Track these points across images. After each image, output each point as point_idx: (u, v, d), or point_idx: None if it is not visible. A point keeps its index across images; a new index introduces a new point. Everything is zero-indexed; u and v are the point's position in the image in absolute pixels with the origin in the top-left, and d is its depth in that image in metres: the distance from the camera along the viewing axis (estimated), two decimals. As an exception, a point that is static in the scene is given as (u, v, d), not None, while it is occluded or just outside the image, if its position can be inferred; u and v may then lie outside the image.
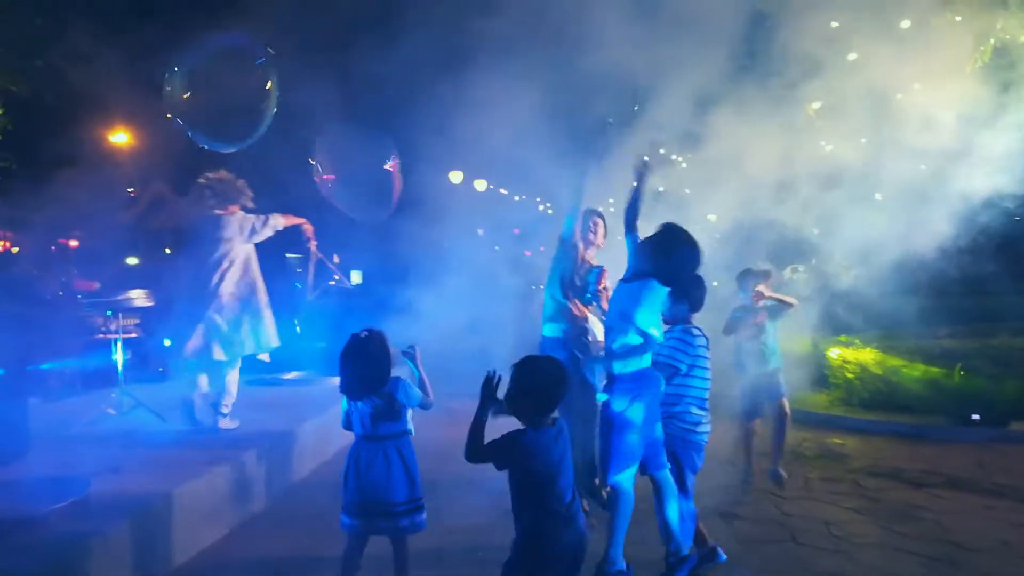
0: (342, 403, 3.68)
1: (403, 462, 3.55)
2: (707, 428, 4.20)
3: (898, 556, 4.34)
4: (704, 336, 4.23)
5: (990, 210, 7.50)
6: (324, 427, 6.59)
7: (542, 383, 3.03)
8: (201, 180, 6.01)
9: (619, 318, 3.95)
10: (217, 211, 5.91)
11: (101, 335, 8.16)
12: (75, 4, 10.89)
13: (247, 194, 6.05)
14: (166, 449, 5.27)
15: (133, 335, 8.33)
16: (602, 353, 4.27)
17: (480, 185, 19.13)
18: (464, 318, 7.74)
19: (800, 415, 7.13)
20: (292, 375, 8.70)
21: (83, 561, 3.48)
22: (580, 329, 4.86)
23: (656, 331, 3.91)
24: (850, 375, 8.47)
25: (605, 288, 4.91)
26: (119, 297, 6.75)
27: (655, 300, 3.93)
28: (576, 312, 4.85)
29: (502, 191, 19.31)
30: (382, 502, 3.50)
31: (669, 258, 3.86)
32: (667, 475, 3.97)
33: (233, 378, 5.96)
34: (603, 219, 5.30)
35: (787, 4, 8.58)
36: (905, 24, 9.90)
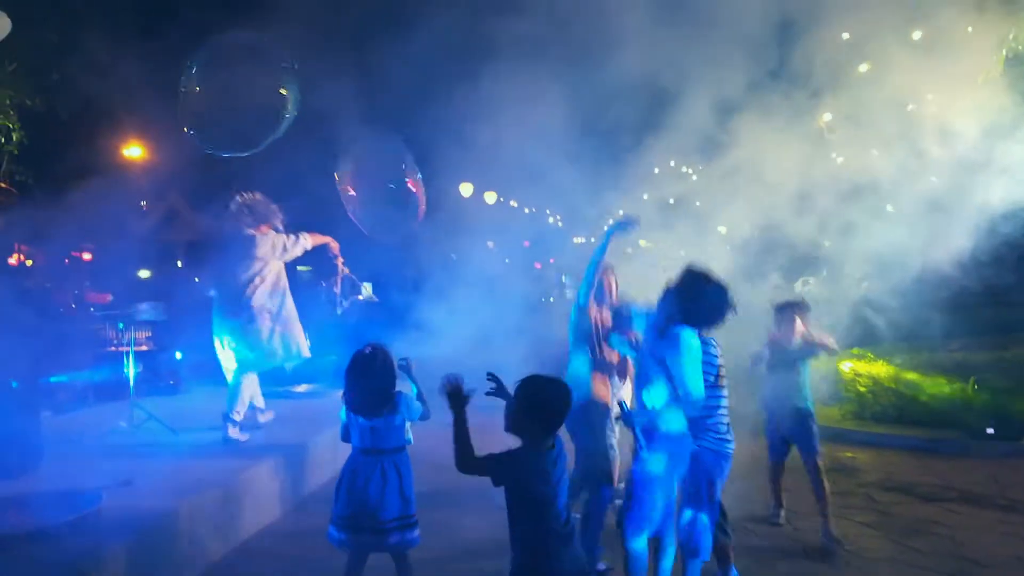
0: (341, 414, 3.72)
1: (399, 478, 3.59)
2: (732, 439, 4.12)
3: (911, 572, 4.31)
4: (718, 347, 4.17)
5: (1012, 220, 7.42)
6: (336, 439, 6.58)
7: (547, 404, 2.94)
8: (238, 199, 6.30)
9: (654, 368, 3.73)
10: (251, 230, 6.20)
11: (113, 348, 8.21)
12: (89, 21, 11.03)
13: (279, 216, 6.37)
14: (178, 462, 5.29)
15: (144, 348, 8.38)
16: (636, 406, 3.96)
17: (490, 197, 19.19)
18: (475, 331, 7.75)
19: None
20: (303, 387, 8.72)
21: (95, 574, 3.49)
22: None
23: (696, 385, 3.64)
24: (862, 388, 8.41)
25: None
26: (131, 310, 6.80)
27: (691, 349, 3.68)
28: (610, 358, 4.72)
29: (512, 203, 19.35)
30: (373, 518, 3.51)
31: (698, 303, 3.71)
32: (672, 540, 3.85)
33: (247, 385, 6.11)
34: (614, 273, 5.06)
35: (797, 16, 8.60)
36: (916, 35, 9.90)
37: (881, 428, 7.84)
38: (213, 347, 6.34)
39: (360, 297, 8.40)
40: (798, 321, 5.29)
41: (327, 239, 6.66)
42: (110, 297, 9.71)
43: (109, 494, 4.09)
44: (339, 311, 8.06)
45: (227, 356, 6.21)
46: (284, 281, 6.37)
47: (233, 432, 5.90)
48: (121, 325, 7.19)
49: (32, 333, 6.12)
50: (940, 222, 7.28)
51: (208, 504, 4.51)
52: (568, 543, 2.89)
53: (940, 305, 8.23)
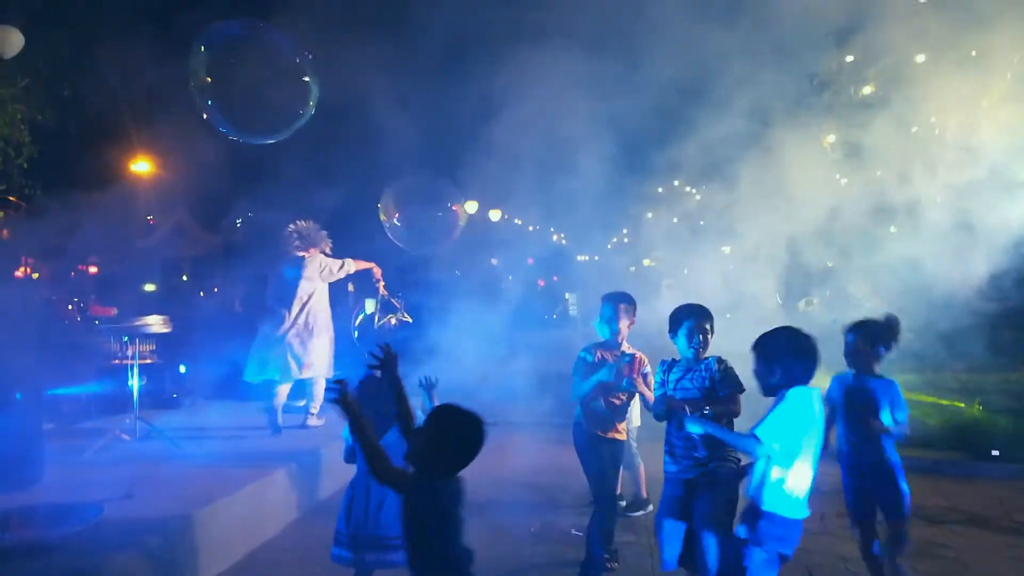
0: (344, 435, 3.69)
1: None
2: None
3: (917, 594, 4.26)
4: None
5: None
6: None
7: (461, 440, 2.72)
8: (290, 226, 7.10)
9: (771, 440, 3.25)
10: (300, 253, 7.02)
11: (117, 360, 8.23)
12: (101, 37, 11.16)
13: (327, 242, 7.19)
14: (180, 475, 5.28)
15: (149, 361, 8.38)
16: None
17: (495, 215, 19.30)
18: (481, 348, 7.78)
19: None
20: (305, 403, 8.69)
21: (95, 587, 3.48)
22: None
23: (808, 459, 3.27)
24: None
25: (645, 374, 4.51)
26: (135, 323, 6.82)
27: (805, 413, 3.26)
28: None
29: (517, 221, 19.43)
30: (377, 536, 3.52)
31: (800, 358, 3.32)
32: None
33: (320, 387, 7.05)
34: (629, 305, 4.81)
35: (805, 37, 8.65)
36: (920, 58, 9.95)
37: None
38: (216, 361, 6.67)
39: (392, 321, 8.64)
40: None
41: (370, 265, 7.40)
42: (115, 310, 9.74)
43: (111, 506, 4.09)
44: (376, 326, 8.74)
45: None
46: (326, 302, 7.18)
47: (311, 420, 7.09)
48: (126, 338, 7.20)
49: (37, 345, 6.16)
50: (954, 242, 7.26)
51: (211, 517, 4.50)
52: None
53: (949, 326, 8.19)
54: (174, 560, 4.12)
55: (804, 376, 3.30)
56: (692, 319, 3.89)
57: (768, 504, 3.26)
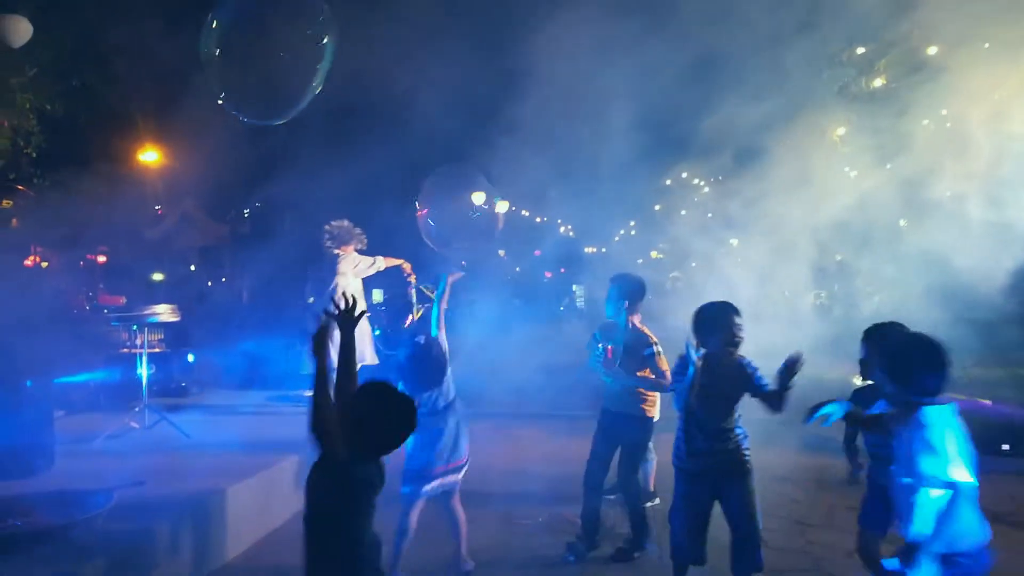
0: None
1: (458, 427, 4.23)
2: None
3: (927, 589, 4.24)
4: None
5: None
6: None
7: (389, 424, 2.59)
8: (327, 227, 7.56)
9: (910, 468, 2.88)
10: (335, 251, 7.49)
11: (126, 349, 8.25)
12: (109, 27, 11.16)
13: (361, 240, 7.65)
14: (188, 463, 5.30)
15: (157, 350, 8.42)
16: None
17: (502, 206, 19.25)
18: (489, 341, 7.81)
19: (823, 441, 7.03)
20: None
21: (106, 573, 3.50)
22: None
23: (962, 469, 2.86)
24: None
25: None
26: (144, 312, 6.84)
27: (943, 427, 2.90)
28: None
29: (524, 212, 19.40)
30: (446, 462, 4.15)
31: (929, 370, 2.97)
32: None
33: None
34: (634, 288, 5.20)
35: (819, 31, 8.58)
36: (932, 51, 9.87)
37: (895, 443, 7.75)
38: (225, 350, 6.77)
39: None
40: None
41: (399, 261, 7.81)
42: (124, 299, 9.77)
43: (120, 494, 4.10)
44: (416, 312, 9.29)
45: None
46: (361, 295, 7.53)
47: None
48: (134, 327, 7.22)
49: (47, 334, 6.18)
50: (963, 235, 7.21)
51: (220, 505, 4.52)
52: None
53: (958, 320, 8.14)
54: (184, 547, 4.14)
55: (935, 390, 2.92)
56: (732, 315, 3.87)
57: (957, 542, 2.82)
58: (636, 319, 4.90)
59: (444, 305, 4.55)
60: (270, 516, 5.13)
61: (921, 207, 8.15)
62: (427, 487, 4.13)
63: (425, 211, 7.83)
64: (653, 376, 4.69)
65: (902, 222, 9.49)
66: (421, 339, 4.24)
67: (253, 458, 5.48)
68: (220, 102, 5.10)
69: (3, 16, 7.74)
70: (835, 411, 3.13)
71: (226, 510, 4.58)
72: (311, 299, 7.69)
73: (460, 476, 4.27)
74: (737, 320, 3.87)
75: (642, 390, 4.79)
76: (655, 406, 4.95)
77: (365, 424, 2.53)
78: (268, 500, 5.12)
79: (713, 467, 3.84)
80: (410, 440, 3.90)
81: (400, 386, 4.01)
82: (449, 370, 4.31)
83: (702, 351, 3.86)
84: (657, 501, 5.68)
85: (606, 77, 8.75)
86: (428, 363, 4.17)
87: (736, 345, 3.87)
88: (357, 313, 2.86)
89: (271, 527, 5.10)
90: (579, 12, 8.27)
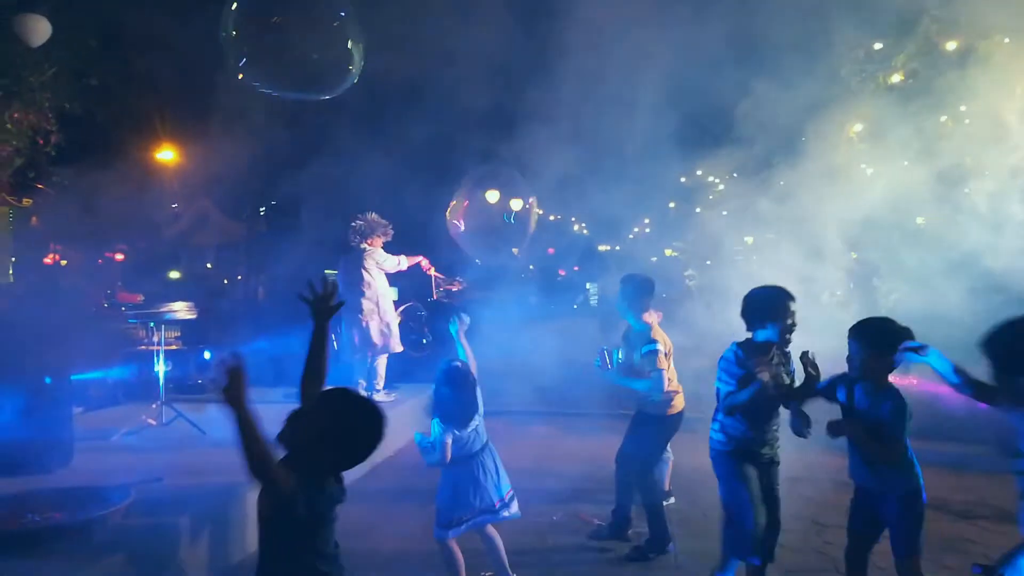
0: (434, 431, 3.92)
1: (495, 466, 4.01)
2: None
3: (945, 590, 4.20)
4: None
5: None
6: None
7: (356, 437, 2.32)
8: (353, 222, 7.84)
9: None
10: (363, 245, 7.79)
11: (143, 347, 8.33)
12: (128, 26, 11.23)
13: (387, 232, 7.89)
14: (206, 460, 5.33)
15: (174, 347, 8.48)
16: None
17: (516, 204, 19.22)
18: (504, 338, 7.81)
19: (840, 440, 6.95)
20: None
21: (125, 569, 3.52)
22: None
23: None
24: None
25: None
26: (161, 309, 6.89)
27: None
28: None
29: (538, 210, 19.34)
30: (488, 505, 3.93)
31: None
32: None
33: (381, 364, 7.89)
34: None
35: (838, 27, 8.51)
36: (951, 46, 9.75)
37: (912, 443, 7.67)
38: (241, 347, 6.73)
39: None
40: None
41: (419, 259, 8.22)
42: (141, 297, 9.85)
43: (138, 490, 4.14)
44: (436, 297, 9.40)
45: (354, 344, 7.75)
46: (385, 290, 7.89)
47: (379, 396, 7.72)
48: (151, 324, 7.28)
49: (65, 331, 6.24)
50: (990, 232, 7.12)
51: (237, 501, 4.54)
52: None
53: (976, 317, 8.03)
54: (201, 543, 4.17)
55: None
56: (788, 301, 3.71)
57: None
58: (650, 318, 4.90)
59: (467, 347, 4.24)
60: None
61: (941, 203, 8.06)
62: (460, 531, 3.94)
63: (459, 217, 8.05)
64: (650, 374, 4.73)
65: (920, 219, 9.39)
66: (457, 363, 4.04)
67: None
68: (243, 75, 5.06)
69: (23, 15, 7.82)
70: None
71: (243, 506, 4.60)
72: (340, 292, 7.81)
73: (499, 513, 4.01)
74: (792, 307, 3.71)
75: (666, 389, 4.79)
76: (672, 405, 4.92)
77: (327, 437, 2.26)
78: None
79: (772, 456, 3.84)
80: (444, 484, 3.93)
81: (436, 421, 3.93)
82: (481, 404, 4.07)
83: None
84: (672, 500, 5.67)
85: (622, 73, 8.71)
86: (467, 387, 3.95)
87: (791, 333, 3.72)
88: (336, 302, 2.63)
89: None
90: (592, 10, 8.25)
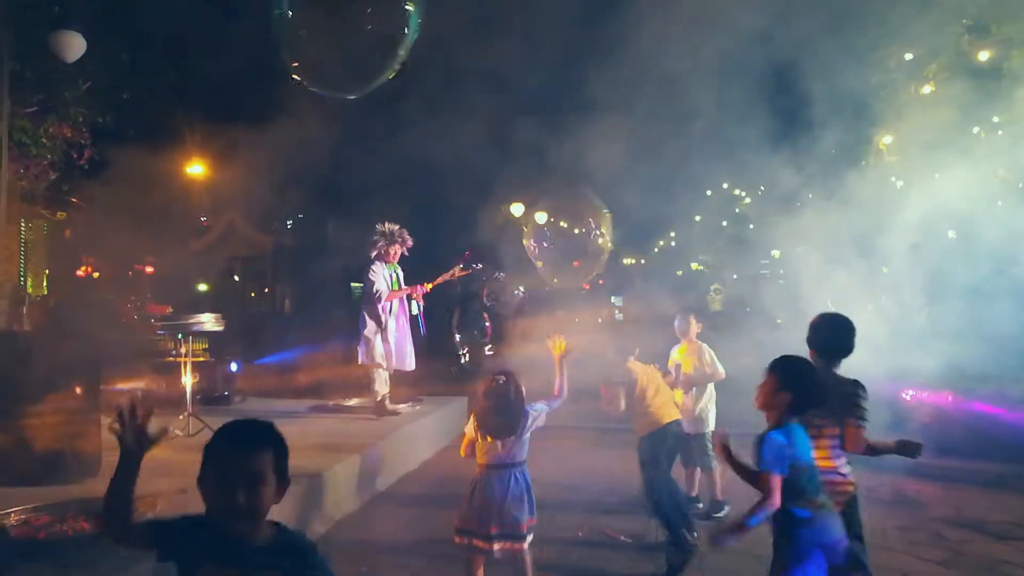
0: (469, 429, 3.98)
1: (527, 487, 3.88)
2: None
3: (985, 614, 4.07)
4: None
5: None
6: (401, 445, 6.71)
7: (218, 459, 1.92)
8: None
9: None
10: (371, 255, 7.72)
11: (171, 358, 8.40)
12: (159, 41, 11.44)
13: (406, 241, 7.82)
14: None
15: (202, 359, 8.55)
16: None
17: (541, 217, 19.19)
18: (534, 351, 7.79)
19: (874, 459, 6.81)
20: (354, 401, 8.78)
21: (149, 580, 3.52)
22: None
23: None
24: (926, 418, 8.08)
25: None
26: (189, 320, 6.94)
27: None
28: None
29: (563, 223, 19.32)
30: (511, 524, 3.77)
31: None
32: None
33: (379, 378, 7.74)
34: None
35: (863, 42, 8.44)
36: (983, 56, 9.61)
37: (948, 460, 7.49)
38: (266, 360, 6.80)
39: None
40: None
41: (410, 291, 7.96)
42: (170, 309, 9.97)
43: (164, 501, 4.14)
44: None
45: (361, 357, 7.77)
46: (394, 304, 7.80)
47: (387, 408, 7.73)
48: (180, 336, 7.35)
49: (96, 341, 6.31)
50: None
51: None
52: None
53: (1017, 337, 7.83)
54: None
55: None
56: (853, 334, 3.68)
57: None
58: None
59: (561, 372, 4.18)
60: (312, 524, 5.13)
61: (969, 218, 7.92)
62: (480, 545, 3.80)
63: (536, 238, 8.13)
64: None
65: (951, 233, 9.22)
66: (501, 378, 3.95)
67: (295, 466, 5.47)
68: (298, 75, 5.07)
69: (58, 32, 7.99)
70: None
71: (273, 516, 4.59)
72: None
73: (524, 545, 3.82)
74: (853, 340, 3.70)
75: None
76: (648, 418, 4.95)
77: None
78: (311, 507, 5.13)
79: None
80: (475, 494, 3.85)
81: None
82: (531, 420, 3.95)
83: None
84: (727, 510, 5.63)
85: (647, 84, 8.68)
86: (505, 405, 3.87)
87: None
88: (155, 431, 2.08)
89: (314, 535, 5.09)
90: (622, 22, 8.26)
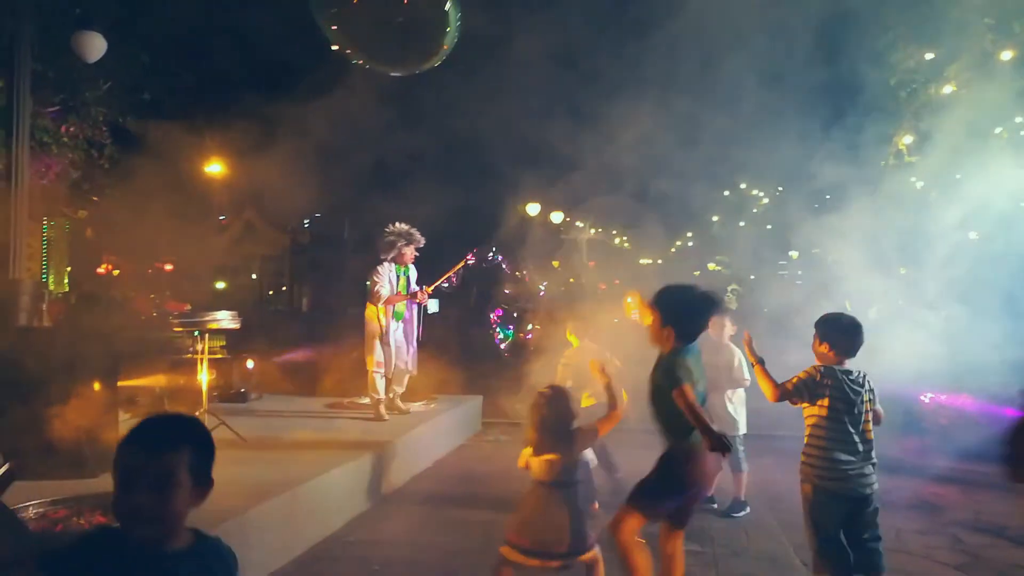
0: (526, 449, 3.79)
1: (581, 509, 3.70)
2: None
3: (1003, 620, 4.01)
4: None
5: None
6: (409, 447, 6.70)
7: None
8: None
9: None
10: (383, 256, 7.64)
11: (189, 355, 8.46)
12: (178, 41, 11.54)
13: (417, 241, 7.73)
14: (246, 468, 5.36)
15: (218, 356, 8.61)
16: None
17: (557, 217, 19.18)
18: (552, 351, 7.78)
19: (889, 461, 6.74)
20: (364, 400, 8.81)
21: None
22: None
23: None
24: (945, 421, 7.99)
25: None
26: (206, 318, 6.99)
27: None
28: None
29: (579, 223, 19.30)
30: (561, 544, 3.57)
31: None
32: None
33: (380, 385, 7.63)
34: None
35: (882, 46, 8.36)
36: (1006, 56, 9.48)
37: (966, 464, 7.40)
38: (282, 357, 6.85)
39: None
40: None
41: (407, 297, 7.75)
42: (188, 306, 10.05)
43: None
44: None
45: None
46: (397, 306, 7.71)
47: (382, 412, 7.59)
48: (196, 333, 7.40)
49: (115, 338, 6.38)
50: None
51: (273, 510, 4.56)
52: None
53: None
54: (239, 551, 4.17)
55: None
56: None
57: None
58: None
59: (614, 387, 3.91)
60: (325, 521, 5.16)
61: (989, 218, 7.81)
62: (519, 560, 3.63)
63: None
64: None
65: (973, 234, 9.11)
66: (547, 390, 3.82)
67: (308, 464, 5.52)
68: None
69: (80, 33, 8.07)
70: None
71: (279, 516, 4.62)
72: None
73: (596, 552, 3.68)
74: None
75: None
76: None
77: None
78: (323, 505, 5.16)
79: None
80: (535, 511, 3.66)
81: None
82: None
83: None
84: (748, 510, 5.66)
85: (662, 87, 8.66)
86: (554, 415, 3.72)
87: None
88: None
89: (326, 532, 5.13)
90: (636, 27, 8.23)
